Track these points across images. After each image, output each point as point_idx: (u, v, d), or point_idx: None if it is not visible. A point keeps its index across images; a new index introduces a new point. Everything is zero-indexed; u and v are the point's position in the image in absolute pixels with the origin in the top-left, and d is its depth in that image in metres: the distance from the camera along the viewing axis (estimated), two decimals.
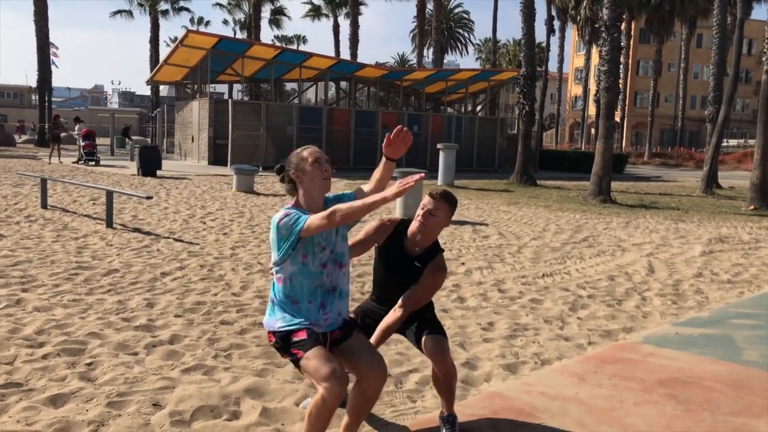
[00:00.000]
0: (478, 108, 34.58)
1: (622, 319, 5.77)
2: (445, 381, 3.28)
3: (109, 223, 9.59)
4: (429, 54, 59.17)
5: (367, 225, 3.42)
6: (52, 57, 37.05)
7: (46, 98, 36.91)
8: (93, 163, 22.36)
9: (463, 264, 7.91)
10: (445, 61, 61.62)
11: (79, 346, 4.40)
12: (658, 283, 7.29)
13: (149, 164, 18.98)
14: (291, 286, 2.88)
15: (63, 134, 36.93)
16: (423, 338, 3.29)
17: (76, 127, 23.82)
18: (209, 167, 23.62)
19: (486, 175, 26.35)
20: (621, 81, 25.42)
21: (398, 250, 3.32)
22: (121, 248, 7.98)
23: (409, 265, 3.28)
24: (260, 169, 20.49)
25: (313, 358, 2.70)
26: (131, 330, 4.83)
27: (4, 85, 71.83)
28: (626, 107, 54.51)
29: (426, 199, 3.27)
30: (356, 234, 3.43)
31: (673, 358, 4.58)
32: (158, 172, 19.18)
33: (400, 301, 3.25)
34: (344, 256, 2.99)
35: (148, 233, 9.19)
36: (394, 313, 3.25)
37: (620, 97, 28.46)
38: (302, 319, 2.85)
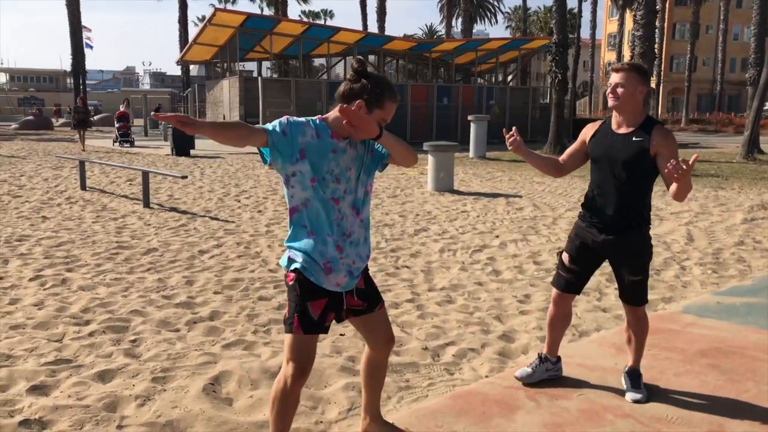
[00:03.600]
0: (509, 78, 34.05)
1: (661, 289, 5.69)
2: (633, 335, 3.47)
3: (146, 203, 9.76)
4: (458, 24, 58.32)
5: (579, 136, 3.47)
6: (85, 40, 37.54)
7: (81, 81, 37.49)
8: (128, 144, 22.71)
9: (497, 237, 7.87)
10: (474, 30, 60.66)
11: (123, 324, 4.52)
12: (698, 252, 7.16)
13: (183, 144, 19.20)
14: (306, 214, 2.54)
15: (96, 117, 37.45)
16: (621, 292, 3.41)
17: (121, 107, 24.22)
18: None
19: None
20: (656, 46, 24.74)
21: (608, 136, 3.29)
22: (159, 227, 8.13)
23: (626, 142, 3.19)
24: None
25: (302, 341, 2.52)
26: (172, 307, 4.94)
27: (40, 69, 73.14)
28: (662, 73, 53.08)
29: (612, 76, 3.22)
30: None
31: (715, 327, 4.51)
32: (192, 152, 19.41)
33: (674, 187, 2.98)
34: (363, 206, 2.64)
35: (184, 212, 9.34)
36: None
37: (656, 62, 27.71)
38: (322, 280, 2.53)
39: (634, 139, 3.18)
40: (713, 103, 56.06)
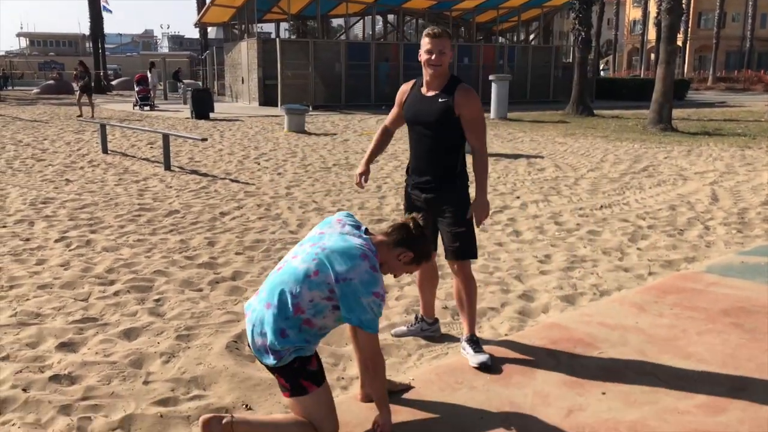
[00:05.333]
0: (531, 36, 33.37)
1: (684, 248, 5.63)
2: (464, 296, 3.40)
3: (167, 166, 9.82)
4: None
5: (396, 99, 3.52)
6: (103, 3, 37.41)
7: (100, 45, 37.53)
8: (147, 107, 22.77)
9: (518, 198, 7.81)
10: None
11: (147, 284, 4.59)
12: (722, 211, 7.05)
13: (202, 107, 19.21)
14: (318, 334, 2.59)
15: (116, 81, 37.29)
16: (445, 249, 3.37)
17: (149, 73, 24.18)
18: (260, 108, 23.76)
19: (540, 107, 25.67)
20: (684, 1, 24.00)
21: (418, 99, 3.35)
22: (180, 190, 8.19)
23: (433, 103, 3.27)
24: (310, 108, 20.47)
25: (323, 394, 2.53)
26: (195, 267, 5.00)
27: (59, 33, 73.26)
28: (689, 29, 51.68)
29: (431, 43, 3.20)
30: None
31: (738, 287, 4.46)
32: (211, 115, 19.42)
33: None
34: None
35: (205, 175, 9.39)
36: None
37: (683, 18, 26.92)
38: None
39: (440, 100, 3.26)
40: (742, 61, 54.54)
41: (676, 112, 18.60)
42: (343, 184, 8.66)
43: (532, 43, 32.36)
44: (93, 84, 20.74)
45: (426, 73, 3.29)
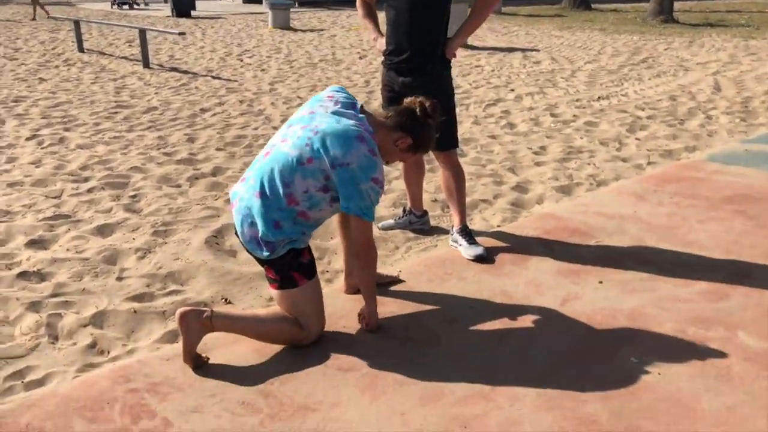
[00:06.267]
0: None
1: (685, 138, 5.41)
2: (453, 186, 3.22)
3: (146, 64, 9.36)
4: None
5: None
6: None
7: None
8: (126, 6, 21.73)
9: (512, 90, 7.49)
10: None
11: (123, 180, 4.37)
12: (725, 101, 6.78)
13: (183, 5, 18.33)
14: (314, 225, 2.41)
15: None
16: None
17: None
18: (244, 5, 22.71)
19: (536, 1, 24.60)
20: None
21: None
22: (159, 87, 7.81)
23: None
24: (295, 3, 19.55)
25: (312, 289, 2.36)
26: (173, 164, 4.76)
27: None
28: None
29: None
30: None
31: (742, 174, 4.28)
32: (192, 13, 18.56)
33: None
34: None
35: (185, 72, 8.96)
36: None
37: None
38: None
39: None
40: None
41: (678, 4, 17.86)
42: (330, 80, 8.28)
43: None
44: None
45: None
